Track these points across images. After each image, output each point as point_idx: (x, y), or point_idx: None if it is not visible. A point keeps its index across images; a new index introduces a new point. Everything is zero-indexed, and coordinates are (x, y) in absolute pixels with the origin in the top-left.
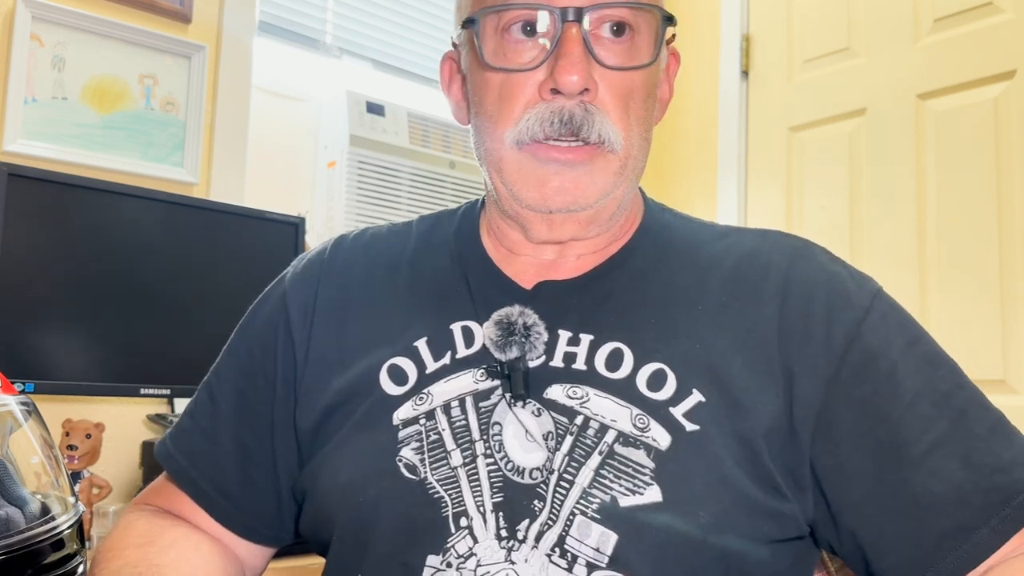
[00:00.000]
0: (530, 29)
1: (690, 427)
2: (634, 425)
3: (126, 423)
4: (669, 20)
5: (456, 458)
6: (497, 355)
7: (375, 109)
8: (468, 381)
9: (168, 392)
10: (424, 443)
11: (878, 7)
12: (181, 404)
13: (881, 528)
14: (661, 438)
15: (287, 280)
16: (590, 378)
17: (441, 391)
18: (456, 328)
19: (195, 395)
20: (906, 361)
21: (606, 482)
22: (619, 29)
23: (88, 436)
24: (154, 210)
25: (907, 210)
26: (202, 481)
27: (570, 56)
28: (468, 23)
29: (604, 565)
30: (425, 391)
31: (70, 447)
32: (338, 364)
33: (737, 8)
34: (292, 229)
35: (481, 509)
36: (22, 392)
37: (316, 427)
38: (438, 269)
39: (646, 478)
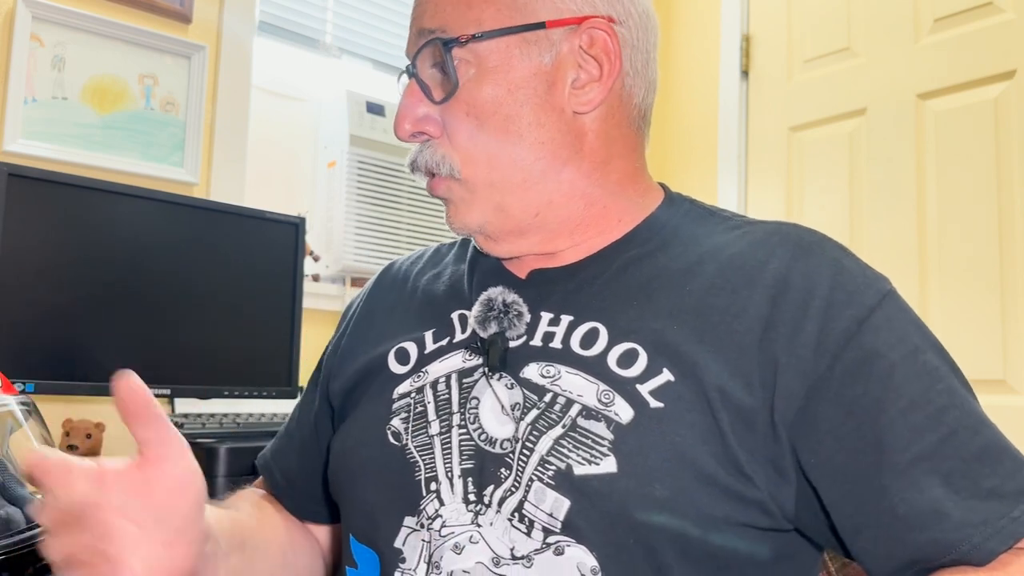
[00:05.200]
0: None
1: (654, 404)
2: (599, 400)
3: None
4: (454, 42)
5: (435, 428)
6: (479, 332)
7: (375, 109)
8: (458, 360)
9: (168, 392)
10: (411, 414)
11: (878, 7)
12: (181, 404)
13: (859, 530)
14: (623, 412)
15: (354, 299)
16: (564, 356)
17: (436, 369)
18: (455, 316)
19: None
20: (906, 366)
21: (564, 451)
22: (442, 66)
23: (88, 436)
24: (154, 210)
25: (907, 210)
26: (276, 473)
27: (398, 109)
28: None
29: (557, 530)
30: (423, 370)
31: (70, 447)
32: (361, 353)
33: (737, 8)
34: (292, 229)
35: (449, 475)
36: (22, 392)
37: (339, 408)
38: (456, 272)
39: (603, 449)
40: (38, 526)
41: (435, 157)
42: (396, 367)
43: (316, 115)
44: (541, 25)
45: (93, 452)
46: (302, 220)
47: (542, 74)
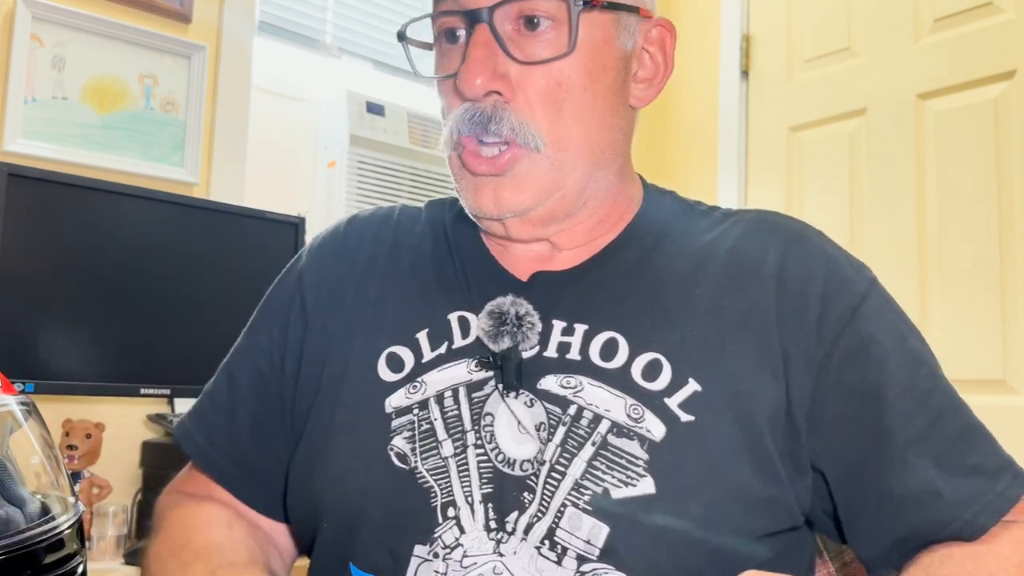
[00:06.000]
0: (454, 35)
1: (685, 418)
2: (628, 415)
3: (126, 423)
4: (587, 3)
5: (447, 448)
6: (490, 345)
7: (375, 109)
8: (462, 371)
9: (168, 392)
10: (416, 433)
11: (878, 7)
12: (181, 404)
13: (858, 512)
14: (655, 429)
15: (304, 258)
16: (584, 368)
17: (435, 380)
18: (453, 318)
19: (214, 377)
20: (896, 353)
21: (599, 473)
22: (535, 22)
23: (88, 436)
24: (154, 210)
25: (907, 210)
26: (221, 459)
27: (470, 60)
28: (400, 37)
29: (595, 558)
30: (419, 379)
31: (70, 447)
32: (340, 341)
33: (737, 8)
34: (292, 229)
35: (469, 500)
36: (22, 392)
37: (311, 404)
38: (438, 257)
39: (639, 469)
40: (38, 526)
41: (517, 125)
42: (387, 374)
43: (316, 115)
44: (635, 11)
45: (92, 452)
46: (302, 220)
47: (625, 59)
